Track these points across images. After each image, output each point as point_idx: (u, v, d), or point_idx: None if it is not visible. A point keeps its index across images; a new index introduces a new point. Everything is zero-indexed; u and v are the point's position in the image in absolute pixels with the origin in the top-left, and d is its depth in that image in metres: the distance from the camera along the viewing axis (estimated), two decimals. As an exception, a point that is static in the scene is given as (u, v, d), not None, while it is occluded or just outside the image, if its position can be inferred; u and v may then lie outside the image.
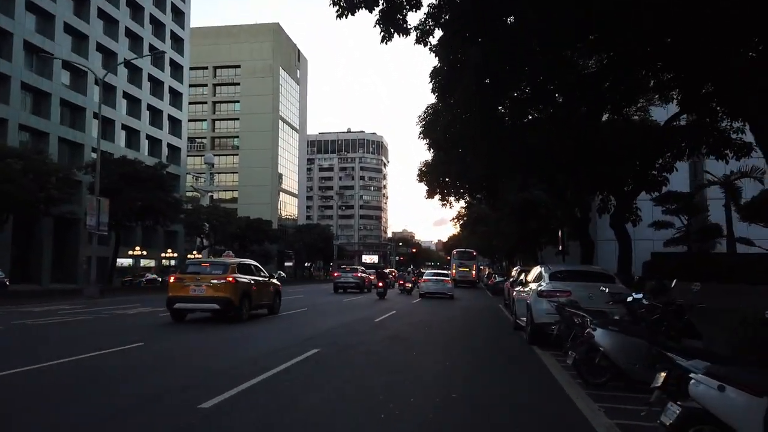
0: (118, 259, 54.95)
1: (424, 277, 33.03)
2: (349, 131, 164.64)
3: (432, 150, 22.57)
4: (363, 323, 14.99)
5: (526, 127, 21.74)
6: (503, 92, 16.68)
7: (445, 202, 39.40)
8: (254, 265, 16.48)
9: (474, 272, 52.33)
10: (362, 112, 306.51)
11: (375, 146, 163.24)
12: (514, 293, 14.83)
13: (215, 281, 13.91)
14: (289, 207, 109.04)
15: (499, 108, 19.46)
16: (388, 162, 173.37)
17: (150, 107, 61.74)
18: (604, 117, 20.25)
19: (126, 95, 57.37)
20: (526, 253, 38.04)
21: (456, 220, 57.93)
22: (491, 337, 12.82)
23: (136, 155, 54.32)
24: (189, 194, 77.69)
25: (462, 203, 52.21)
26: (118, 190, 43.66)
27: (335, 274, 40.52)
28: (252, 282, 15.27)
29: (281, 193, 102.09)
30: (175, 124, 67.33)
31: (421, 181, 39.17)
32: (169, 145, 65.79)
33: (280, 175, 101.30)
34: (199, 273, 14.38)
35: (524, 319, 12.01)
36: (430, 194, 39.40)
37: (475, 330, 14.26)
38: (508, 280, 22.95)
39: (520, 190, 26.59)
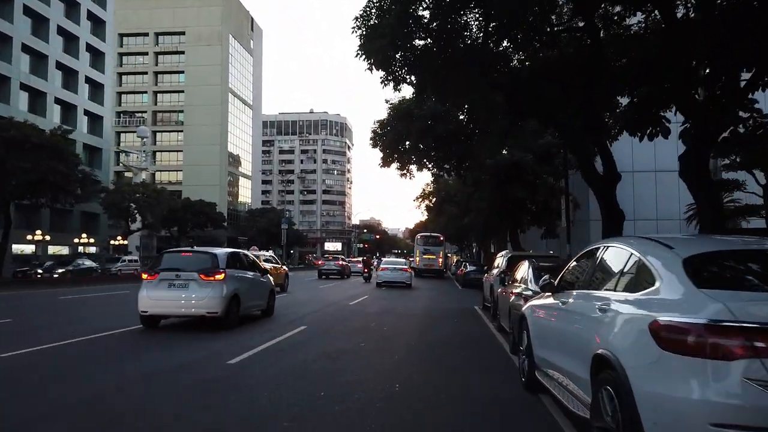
0: (15, 246, 45.78)
1: (381, 266, 30.80)
2: (311, 112, 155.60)
3: (375, 70, 14.48)
4: (207, 370, 7.10)
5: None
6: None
7: (405, 172, 31.54)
8: (272, 256, 22.40)
9: (441, 260, 44.79)
10: (327, 93, 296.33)
11: (339, 128, 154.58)
12: (524, 305, 7.20)
13: None
14: (244, 190, 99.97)
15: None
16: (352, 145, 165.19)
17: (62, 66, 52.13)
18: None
19: (27, 49, 47.69)
20: (511, 236, 30.48)
21: (420, 200, 50.13)
22: None
23: (41, 122, 45.02)
24: (128, 174, 68.35)
25: (426, 174, 44.53)
26: (-3, 158, 34.73)
27: (320, 263, 43.75)
28: (271, 267, 19.74)
29: (233, 174, 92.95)
30: (97, 89, 57.75)
31: (375, 146, 31.21)
32: (88, 113, 56.26)
33: (232, 155, 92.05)
34: None
35: (563, 380, 4.28)
36: (386, 161, 31.40)
37: (436, 394, 6.32)
38: (490, 273, 15.24)
39: (506, 136, 18.96)
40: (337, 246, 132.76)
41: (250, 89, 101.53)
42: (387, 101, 29.39)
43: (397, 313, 14.27)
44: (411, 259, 50.96)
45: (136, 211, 53.43)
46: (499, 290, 11.06)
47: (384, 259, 38.94)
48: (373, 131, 30.11)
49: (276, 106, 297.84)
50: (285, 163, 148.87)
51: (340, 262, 40.53)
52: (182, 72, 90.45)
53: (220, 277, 10.62)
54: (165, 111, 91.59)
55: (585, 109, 13.29)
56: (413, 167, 30.42)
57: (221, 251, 11.74)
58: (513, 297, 8.66)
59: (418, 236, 46.69)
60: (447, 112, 26.62)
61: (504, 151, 25.76)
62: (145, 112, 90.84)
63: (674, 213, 32.17)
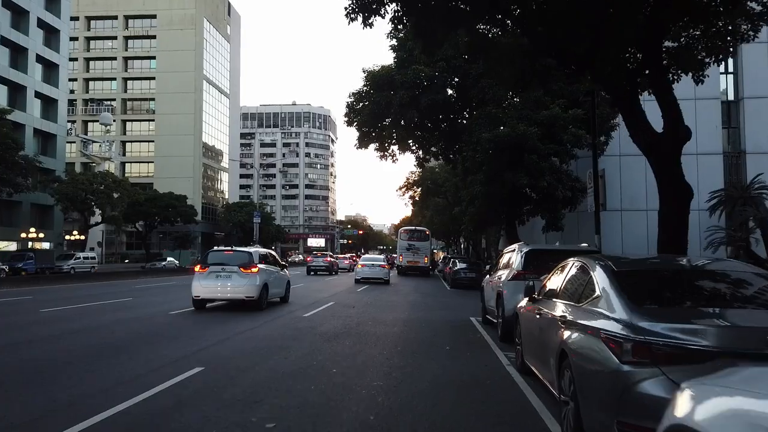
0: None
1: (360, 263, 30.73)
2: (294, 104, 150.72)
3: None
4: None
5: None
6: None
7: (385, 153, 27.18)
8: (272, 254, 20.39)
9: (427, 256, 40.48)
10: (310, 86, 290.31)
11: (322, 120, 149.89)
12: (613, 350, 3.03)
13: None
14: (221, 184, 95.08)
15: None
16: (336, 138, 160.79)
17: (8, 42, 46.99)
18: None
19: (-37, 21, 42.67)
20: (506, 228, 26.23)
21: (404, 190, 45.70)
22: None
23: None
24: (95, 166, 63.34)
25: (411, 159, 40.21)
26: None
27: (308, 259, 44.85)
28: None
29: (208, 166, 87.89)
30: (51, 70, 52.64)
31: (350, 123, 26.86)
32: (41, 96, 51.15)
33: (207, 146, 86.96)
34: None
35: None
36: (363, 142, 26.99)
37: None
38: (494, 275, 10.95)
39: (514, 90, 14.86)
40: (320, 242, 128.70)
41: (227, 77, 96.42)
42: (364, 70, 25.07)
43: (363, 335, 9.92)
44: (395, 255, 47.18)
45: (94, 204, 48.65)
46: (523, 306, 6.75)
47: (363, 256, 38.77)
48: (348, 106, 25.72)
49: (257, 98, 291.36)
50: (266, 157, 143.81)
51: (328, 259, 41.09)
52: (153, 57, 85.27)
53: (255, 270, 13.30)
54: (135, 99, 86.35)
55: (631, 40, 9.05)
56: (395, 148, 26.17)
57: (255, 250, 14.42)
58: (568, 332, 4.34)
59: (402, 230, 42.30)
60: (433, 79, 22.37)
61: (502, 128, 21.56)
62: (114, 99, 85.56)
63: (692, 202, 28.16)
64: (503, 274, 9.74)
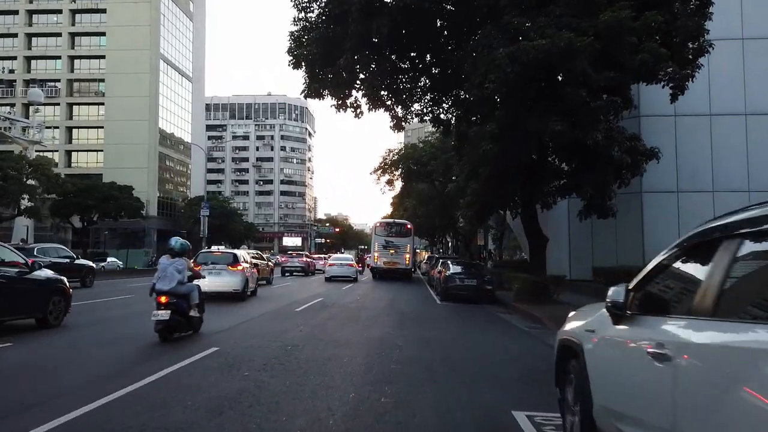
0: None
1: (329, 262, 32.29)
2: (269, 95, 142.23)
3: None
4: None
5: None
6: None
7: (344, 102, 18.82)
8: (258, 253, 25.74)
9: (408, 255, 32.19)
10: (288, 77, 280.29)
11: (299, 112, 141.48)
12: None
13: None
14: (184, 177, 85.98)
15: None
16: (314, 132, 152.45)
17: None
18: None
19: None
20: (522, 214, 17.85)
21: (379, 173, 37.20)
22: None
23: None
24: (34, 155, 54.05)
25: (382, 115, 31.91)
26: None
27: (283, 259, 44.54)
28: (263, 264, 25.46)
29: (167, 157, 78.68)
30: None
31: (297, 65, 18.45)
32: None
33: (165, 133, 77.74)
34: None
35: None
36: (312, 88, 18.55)
37: None
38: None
39: None
40: (296, 241, 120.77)
41: (189, 59, 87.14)
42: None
43: None
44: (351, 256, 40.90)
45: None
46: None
47: (333, 256, 39.70)
48: (292, 36, 17.21)
49: (230, 89, 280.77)
50: (239, 150, 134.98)
51: (304, 259, 40.01)
52: (103, 34, 75.96)
53: (240, 268, 16.60)
54: (83, 80, 76.89)
55: None
56: (359, 95, 17.74)
57: (238, 252, 18.65)
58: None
59: (377, 224, 33.83)
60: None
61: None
62: (59, 80, 76.15)
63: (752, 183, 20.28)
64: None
